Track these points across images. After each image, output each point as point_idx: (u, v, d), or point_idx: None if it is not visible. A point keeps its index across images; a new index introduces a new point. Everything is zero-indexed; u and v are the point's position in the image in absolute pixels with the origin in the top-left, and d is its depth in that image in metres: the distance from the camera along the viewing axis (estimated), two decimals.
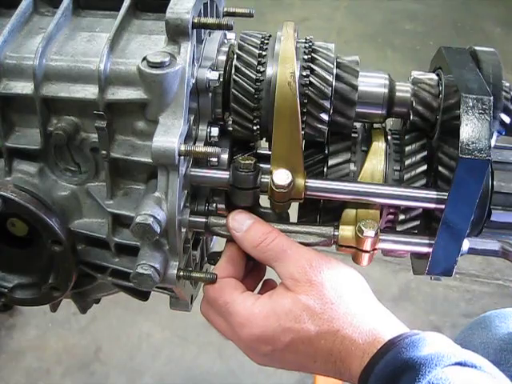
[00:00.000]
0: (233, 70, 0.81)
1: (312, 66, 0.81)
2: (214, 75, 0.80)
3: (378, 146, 0.85)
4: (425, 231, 0.85)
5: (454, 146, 0.75)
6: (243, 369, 2.02)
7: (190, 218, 0.83)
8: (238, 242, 0.82)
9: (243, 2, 0.98)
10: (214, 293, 0.81)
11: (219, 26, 0.77)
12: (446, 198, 0.77)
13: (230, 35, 0.90)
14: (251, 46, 0.82)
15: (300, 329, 0.77)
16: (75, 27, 0.82)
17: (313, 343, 0.77)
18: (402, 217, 0.85)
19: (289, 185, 0.78)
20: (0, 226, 0.85)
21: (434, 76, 0.85)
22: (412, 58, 3.45)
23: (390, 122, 0.94)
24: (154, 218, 0.73)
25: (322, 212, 0.87)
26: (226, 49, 0.85)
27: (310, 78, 0.80)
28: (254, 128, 0.83)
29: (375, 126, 0.89)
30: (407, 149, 0.84)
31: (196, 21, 0.75)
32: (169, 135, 0.73)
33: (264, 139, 0.88)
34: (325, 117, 0.82)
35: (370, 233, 0.80)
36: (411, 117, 0.84)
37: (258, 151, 0.92)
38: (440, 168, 0.80)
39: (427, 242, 0.82)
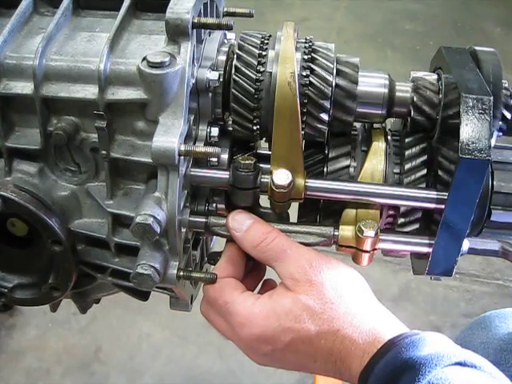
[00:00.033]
0: (233, 70, 0.81)
1: (312, 66, 0.81)
2: (213, 75, 0.80)
3: (378, 146, 0.85)
4: (425, 231, 0.85)
5: (454, 148, 0.75)
6: (243, 369, 2.02)
7: (190, 218, 0.83)
8: (238, 242, 0.82)
9: (243, 2, 0.98)
10: (213, 293, 0.81)
11: (219, 26, 0.77)
12: (445, 198, 0.77)
13: (230, 35, 0.90)
14: (251, 46, 0.82)
15: (300, 328, 0.77)
16: (75, 27, 0.82)
17: (313, 343, 0.77)
18: (401, 220, 0.85)
19: (289, 185, 0.78)
20: (0, 226, 0.85)
21: (433, 76, 0.85)
22: (412, 57, 3.45)
23: (390, 122, 0.94)
24: (154, 218, 0.73)
25: (322, 212, 0.87)
26: (226, 49, 0.85)
27: (310, 78, 0.80)
28: (254, 128, 0.83)
29: (375, 126, 0.89)
30: (407, 153, 0.84)
31: (196, 21, 0.75)
32: (169, 135, 0.73)
33: (264, 139, 0.88)
34: (325, 117, 0.82)
35: (369, 233, 0.80)
36: (412, 113, 0.84)
37: (258, 151, 0.92)
38: (440, 172, 0.80)
39: (427, 242, 0.82)
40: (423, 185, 0.83)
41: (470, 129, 0.74)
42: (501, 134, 0.84)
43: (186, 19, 0.74)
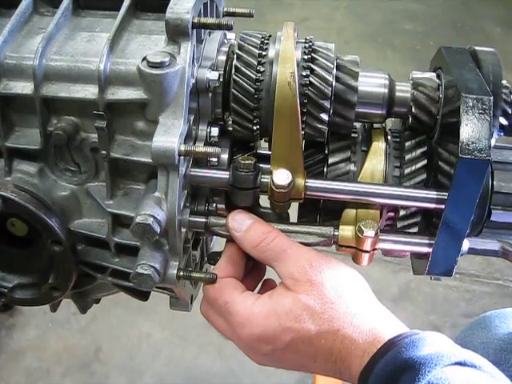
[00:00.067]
0: (233, 70, 0.81)
1: (312, 66, 0.81)
2: (213, 75, 0.80)
3: (378, 146, 0.85)
4: (425, 231, 0.85)
5: (454, 148, 0.75)
6: (243, 369, 2.02)
7: (190, 218, 0.83)
8: (238, 242, 0.82)
9: (243, 2, 0.98)
10: (213, 293, 0.81)
11: (219, 26, 0.77)
12: (445, 197, 0.77)
13: (230, 35, 0.90)
14: (251, 46, 0.82)
15: (300, 328, 0.77)
16: (75, 27, 0.82)
17: (313, 343, 0.77)
18: (402, 212, 0.85)
19: (289, 185, 0.78)
20: (0, 226, 0.85)
21: (433, 76, 0.85)
22: (412, 57, 3.45)
23: (390, 122, 0.94)
24: (154, 218, 0.73)
25: (322, 212, 0.87)
26: (226, 49, 0.85)
27: (310, 78, 0.80)
28: (254, 128, 0.83)
29: (375, 125, 0.89)
30: (407, 144, 0.84)
31: (196, 21, 0.75)
32: (169, 135, 0.73)
33: (264, 139, 0.88)
34: (325, 117, 0.82)
35: (369, 233, 0.80)
36: (412, 113, 0.84)
37: (258, 151, 0.92)
38: (440, 163, 0.80)
39: (427, 241, 0.82)
40: (423, 176, 0.83)
41: (470, 129, 0.74)
42: (501, 133, 0.84)
43: (186, 19, 0.74)
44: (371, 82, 0.84)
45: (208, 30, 0.85)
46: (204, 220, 0.84)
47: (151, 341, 2.12)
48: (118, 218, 0.82)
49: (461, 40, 3.63)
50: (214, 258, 0.88)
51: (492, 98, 0.75)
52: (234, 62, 0.81)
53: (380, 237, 0.81)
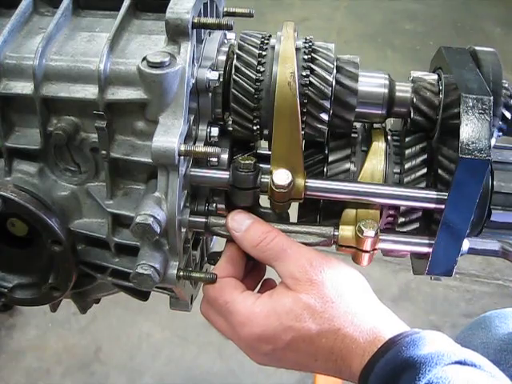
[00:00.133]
0: (233, 70, 0.81)
1: (312, 66, 0.81)
2: (213, 75, 0.80)
3: (378, 146, 0.85)
4: (425, 231, 0.85)
5: (454, 148, 0.75)
6: (243, 369, 2.02)
7: (190, 218, 0.83)
8: (238, 242, 0.82)
9: (243, 2, 0.98)
10: (214, 292, 0.81)
11: (219, 26, 0.77)
12: (445, 198, 0.77)
13: (230, 35, 0.90)
14: (251, 45, 0.82)
15: (301, 327, 0.77)
16: (75, 27, 0.82)
17: (314, 342, 0.77)
18: (401, 219, 0.85)
19: (289, 185, 0.78)
20: (0, 226, 0.85)
21: (433, 76, 0.85)
22: (412, 57, 3.45)
23: (390, 122, 0.94)
24: (154, 218, 0.73)
25: (322, 212, 0.87)
26: (226, 49, 0.85)
27: (310, 78, 0.80)
28: (254, 128, 0.83)
29: (375, 125, 0.89)
30: (407, 152, 0.84)
31: (196, 21, 0.75)
32: (169, 135, 0.73)
33: (264, 139, 0.88)
34: (325, 117, 0.82)
35: (369, 233, 0.80)
36: (412, 114, 0.84)
37: (258, 151, 0.92)
38: (440, 171, 0.80)
39: (427, 241, 0.82)
40: (423, 184, 0.83)
41: (470, 129, 0.74)
42: (501, 133, 0.84)
43: (186, 19, 0.74)
44: (371, 82, 0.84)
45: (208, 30, 0.85)
46: (204, 220, 0.84)
47: (151, 341, 2.12)
48: (118, 218, 0.82)
49: (461, 40, 3.63)
50: (214, 257, 0.88)
51: (492, 97, 0.75)
52: (234, 61, 0.81)
53: (380, 237, 0.81)
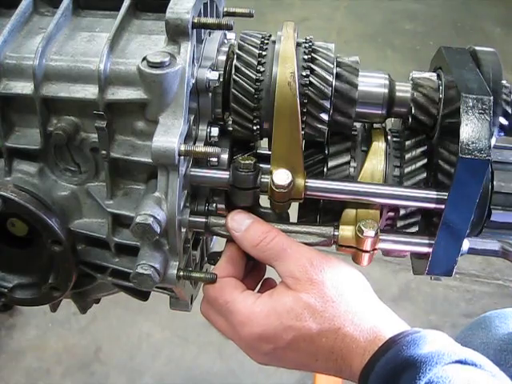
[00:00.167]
0: (233, 70, 0.81)
1: (312, 66, 0.81)
2: (213, 75, 0.80)
3: (378, 146, 0.85)
4: (425, 231, 0.85)
5: (454, 148, 0.75)
6: (243, 368, 2.02)
7: (190, 218, 0.83)
8: (238, 242, 0.83)
9: (243, 2, 0.98)
10: (214, 292, 0.81)
11: (219, 26, 0.77)
12: (445, 198, 0.77)
13: (230, 35, 0.90)
14: (251, 45, 0.82)
15: (301, 327, 0.77)
16: (75, 27, 0.82)
17: (314, 341, 0.77)
18: (402, 211, 0.85)
19: (289, 185, 0.78)
20: (0, 226, 0.85)
21: (433, 76, 0.85)
22: (412, 58, 3.45)
23: (390, 122, 0.94)
24: (154, 218, 0.73)
25: (322, 212, 0.87)
26: (226, 49, 0.85)
27: (310, 78, 0.80)
28: (254, 128, 0.83)
29: (375, 126, 0.89)
30: (407, 143, 0.84)
31: (196, 21, 0.75)
32: (169, 135, 0.73)
33: (264, 139, 0.88)
34: (325, 117, 0.82)
35: (369, 233, 0.80)
36: (412, 113, 0.84)
37: (258, 151, 0.92)
38: (440, 162, 0.80)
39: (427, 241, 0.82)
40: (424, 175, 0.83)
41: (470, 129, 0.74)
42: (502, 133, 0.84)
43: (186, 19, 0.74)
44: (371, 82, 0.84)
45: (208, 30, 0.85)
46: (204, 220, 0.84)
47: (151, 341, 2.12)
48: (118, 218, 0.82)
49: (461, 40, 3.63)
50: (214, 257, 0.88)
51: (492, 97, 0.75)
52: (234, 61, 0.81)
53: (380, 237, 0.81)
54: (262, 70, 0.80)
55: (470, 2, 4.17)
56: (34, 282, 0.88)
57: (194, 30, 0.76)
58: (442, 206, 0.78)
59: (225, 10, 0.91)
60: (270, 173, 0.80)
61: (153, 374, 2.03)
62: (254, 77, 0.80)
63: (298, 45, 0.82)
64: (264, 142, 0.88)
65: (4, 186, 0.79)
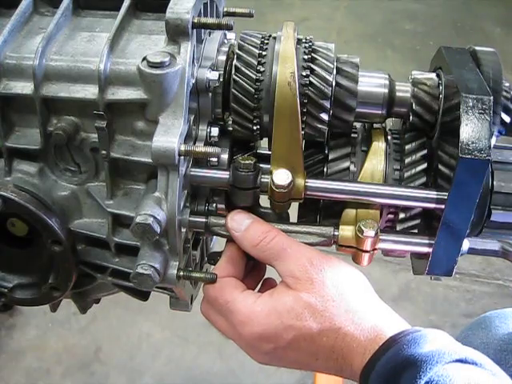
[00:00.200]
0: (233, 70, 0.81)
1: (312, 65, 0.81)
2: (213, 75, 0.80)
3: (378, 146, 0.85)
4: (425, 231, 0.85)
5: (454, 148, 0.75)
6: (243, 368, 2.02)
7: (190, 218, 0.83)
8: (238, 242, 0.83)
9: (243, 2, 0.98)
10: (214, 292, 0.81)
11: (219, 26, 0.77)
12: (445, 198, 0.77)
13: (230, 35, 0.90)
14: (251, 45, 0.82)
15: (302, 326, 0.77)
16: (75, 27, 0.82)
17: (315, 340, 0.77)
18: (402, 215, 0.85)
19: (289, 185, 0.78)
20: (0, 226, 0.85)
21: (433, 76, 0.85)
22: (412, 58, 3.45)
23: (389, 122, 0.94)
24: (154, 218, 0.73)
25: (322, 212, 0.87)
26: (226, 49, 0.85)
27: (310, 78, 0.80)
28: (254, 128, 0.83)
29: (375, 125, 0.89)
30: (407, 147, 0.84)
31: (196, 21, 0.75)
32: (169, 135, 0.73)
33: (264, 139, 0.88)
34: (325, 117, 0.82)
35: (369, 233, 0.80)
36: (411, 118, 0.84)
37: (258, 151, 0.92)
38: (440, 166, 0.80)
39: (427, 241, 0.82)
40: (423, 179, 0.83)
41: (470, 129, 0.74)
42: (503, 132, 0.84)
43: (186, 19, 0.74)
44: (371, 82, 0.84)
45: (208, 30, 0.85)
46: (204, 220, 0.84)
47: (151, 341, 2.12)
48: (118, 218, 0.82)
49: (461, 40, 3.63)
50: (214, 257, 0.88)
51: (492, 97, 0.75)
52: (234, 61, 0.81)
53: (380, 237, 0.81)
54: (262, 69, 0.80)
55: (470, 1, 4.17)
56: (34, 282, 0.88)
57: (194, 30, 0.76)
58: (442, 206, 0.78)
59: (225, 9, 0.91)
60: (270, 173, 0.80)
61: (153, 373, 2.03)
62: (254, 77, 0.80)
63: (298, 45, 0.82)
64: (264, 142, 0.88)
65: (4, 186, 0.79)
